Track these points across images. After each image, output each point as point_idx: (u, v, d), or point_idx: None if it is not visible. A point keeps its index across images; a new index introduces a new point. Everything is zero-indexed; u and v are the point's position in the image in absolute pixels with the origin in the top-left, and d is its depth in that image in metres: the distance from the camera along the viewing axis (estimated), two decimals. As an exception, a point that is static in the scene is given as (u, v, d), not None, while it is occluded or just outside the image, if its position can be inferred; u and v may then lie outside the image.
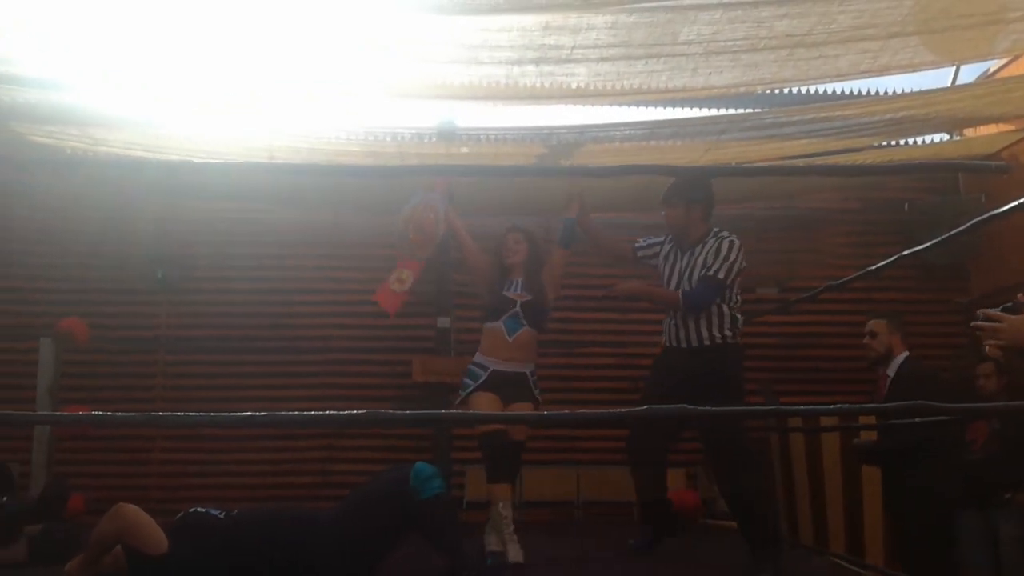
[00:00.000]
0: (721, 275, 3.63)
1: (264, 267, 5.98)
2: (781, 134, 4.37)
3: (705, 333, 3.66)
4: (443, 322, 6.06)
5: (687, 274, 3.72)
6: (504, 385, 3.84)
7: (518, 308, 3.91)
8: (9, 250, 5.91)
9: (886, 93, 5.13)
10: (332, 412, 2.04)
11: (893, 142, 5.23)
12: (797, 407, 2.28)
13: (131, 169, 4.88)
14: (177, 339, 5.92)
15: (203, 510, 2.87)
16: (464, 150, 4.74)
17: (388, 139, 4.55)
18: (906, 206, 6.24)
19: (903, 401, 2.40)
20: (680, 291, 3.69)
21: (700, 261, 3.67)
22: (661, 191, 3.69)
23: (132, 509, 2.71)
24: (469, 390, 3.87)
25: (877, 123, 4.39)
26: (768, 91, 4.57)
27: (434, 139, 4.91)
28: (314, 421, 3.56)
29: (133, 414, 2.69)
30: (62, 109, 4.17)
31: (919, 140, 5.52)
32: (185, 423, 3.13)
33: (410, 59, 3.54)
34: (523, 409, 3.83)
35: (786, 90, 5.18)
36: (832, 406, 2.15)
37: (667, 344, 3.84)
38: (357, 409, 2.12)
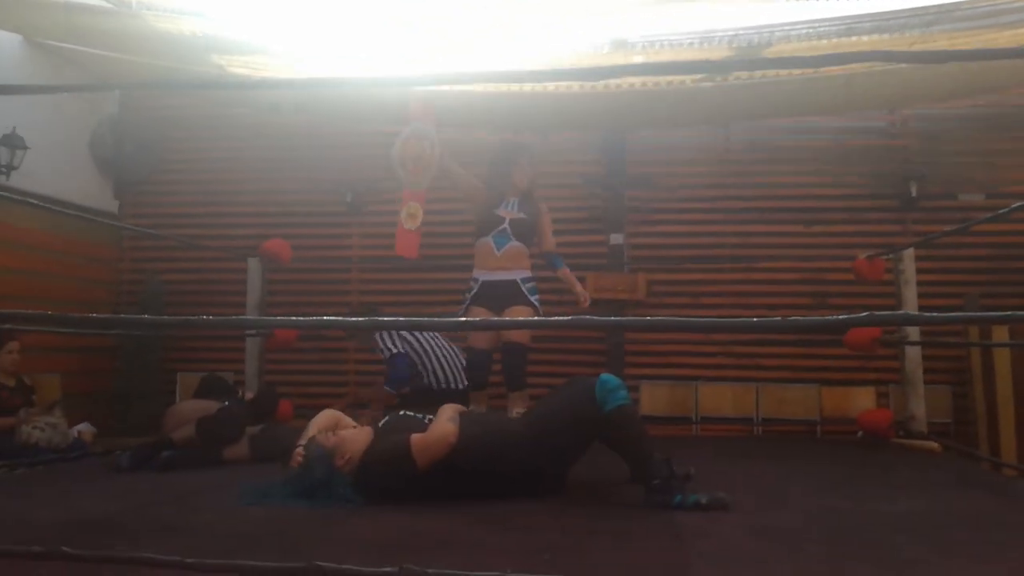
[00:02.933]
0: None
1: (442, 187, 6.11)
2: (997, 24, 3.88)
3: None
4: (616, 238, 6.03)
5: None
6: (494, 294, 4.18)
7: (506, 225, 4.22)
8: (220, 179, 6.41)
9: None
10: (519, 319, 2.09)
11: None
12: (1004, 314, 2.08)
13: (326, 97, 5.07)
14: (366, 259, 6.25)
15: (411, 414, 3.04)
16: (638, 59, 4.58)
17: (565, 53, 4.48)
18: None
19: None
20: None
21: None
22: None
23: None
24: (465, 305, 4.26)
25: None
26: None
27: (607, 49, 4.78)
28: (498, 325, 3.85)
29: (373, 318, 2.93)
30: (256, 42, 4.40)
31: None
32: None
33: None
34: (519, 312, 4.14)
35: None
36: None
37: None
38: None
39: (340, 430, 2.94)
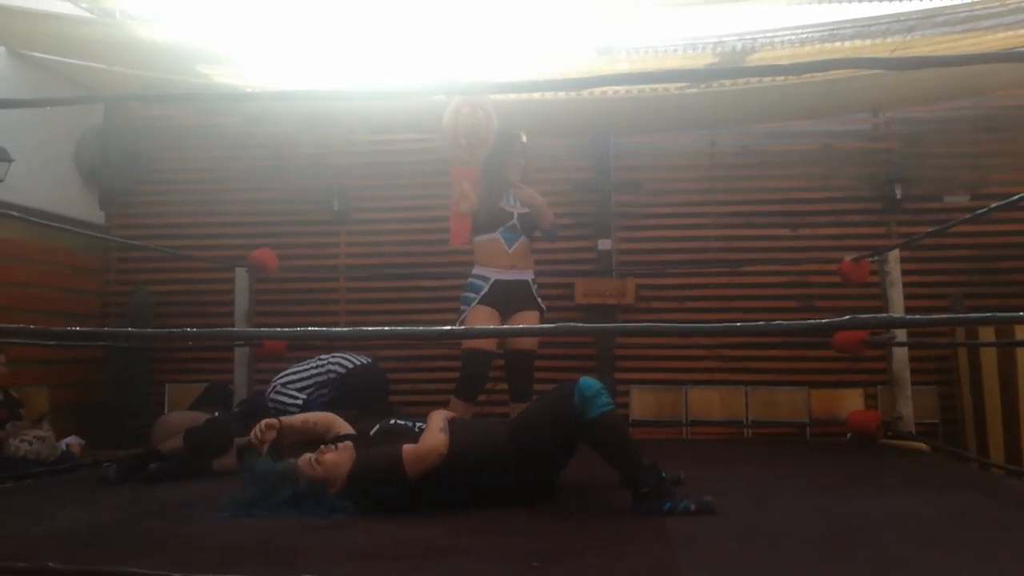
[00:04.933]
0: None
1: (430, 195, 6.13)
2: (977, 28, 3.94)
3: None
4: (604, 244, 6.04)
5: None
6: (506, 295, 3.91)
7: (516, 220, 3.95)
8: (206, 189, 6.39)
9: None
10: (512, 327, 2.10)
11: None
12: (991, 315, 2.10)
13: (311, 106, 5.06)
14: (354, 267, 6.23)
15: (401, 422, 3.03)
16: (623, 66, 4.60)
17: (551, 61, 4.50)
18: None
19: None
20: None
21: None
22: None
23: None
24: (472, 303, 3.93)
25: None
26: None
27: (592, 56, 4.81)
28: (493, 333, 3.77)
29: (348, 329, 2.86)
30: (240, 52, 4.40)
31: None
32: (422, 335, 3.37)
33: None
34: (528, 318, 3.93)
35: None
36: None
37: None
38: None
39: (325, 453, 2.90)
